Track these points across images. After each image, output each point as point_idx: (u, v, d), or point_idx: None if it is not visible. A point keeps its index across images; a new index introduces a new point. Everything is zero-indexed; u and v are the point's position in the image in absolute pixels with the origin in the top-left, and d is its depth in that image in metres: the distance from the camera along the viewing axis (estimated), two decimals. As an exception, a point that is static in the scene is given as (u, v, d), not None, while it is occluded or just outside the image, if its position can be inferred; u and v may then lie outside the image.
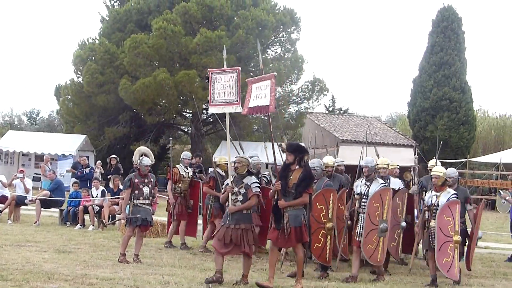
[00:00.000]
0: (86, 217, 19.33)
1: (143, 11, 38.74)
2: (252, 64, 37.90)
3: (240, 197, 10.55)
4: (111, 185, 20.55)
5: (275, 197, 10.34)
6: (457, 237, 11.29)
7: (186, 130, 42.41)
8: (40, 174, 35.21)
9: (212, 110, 11.46)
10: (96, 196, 19.62)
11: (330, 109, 60.25)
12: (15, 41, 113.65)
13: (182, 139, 46.31)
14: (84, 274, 10.69)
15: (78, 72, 39.14)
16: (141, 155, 12.91)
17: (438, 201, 11.47)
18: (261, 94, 10.35)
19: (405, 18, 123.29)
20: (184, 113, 40.18)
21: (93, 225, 18.88)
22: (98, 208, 19.08)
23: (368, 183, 11.76)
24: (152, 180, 12.87)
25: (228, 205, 10.64)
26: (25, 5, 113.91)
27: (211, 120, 41.04)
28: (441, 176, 11.58)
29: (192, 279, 10.61)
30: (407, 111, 46.18)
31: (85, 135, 37.66)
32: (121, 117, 37.75)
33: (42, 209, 19.83)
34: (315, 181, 11.80)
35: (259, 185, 10.72)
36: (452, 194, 11.53)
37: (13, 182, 20.77)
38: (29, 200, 20.39)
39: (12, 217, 19.66)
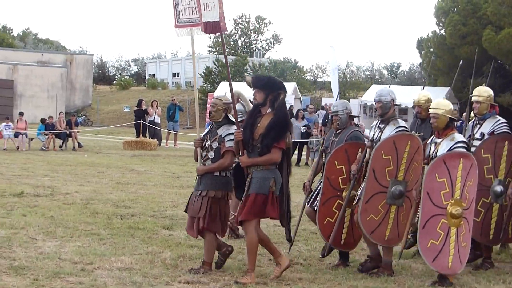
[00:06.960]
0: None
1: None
2: None
3: (211, 154, 7.61)
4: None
5: (239, 153, 7.47)
6: (456, 209, 7.35)
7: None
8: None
9: (177, 33, 8.56)
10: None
11: None
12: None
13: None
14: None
15: (440, 24, 39.48)
16: None
17: (436, 152, 7.67)
18: (210, 4, 7.74)
19: None
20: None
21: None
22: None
23: (381, 126, 8.30)
24: None
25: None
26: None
27: None
28: (440, 114, 7.62)
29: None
30: None
31: (448, 88, 37.71)
32: (485, 68, 37.20)
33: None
34: (338, 131, 8.64)
35: None
36: (457, 143, 7.54)
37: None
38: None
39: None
